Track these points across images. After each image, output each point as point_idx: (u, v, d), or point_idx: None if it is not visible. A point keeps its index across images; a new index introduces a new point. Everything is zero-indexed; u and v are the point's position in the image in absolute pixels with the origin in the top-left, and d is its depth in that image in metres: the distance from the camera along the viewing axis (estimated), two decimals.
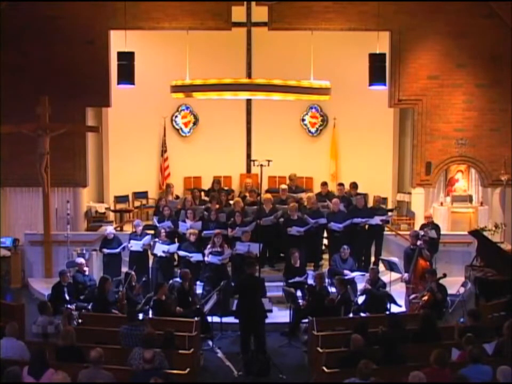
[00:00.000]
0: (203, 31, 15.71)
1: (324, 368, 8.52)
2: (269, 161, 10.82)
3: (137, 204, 17.27)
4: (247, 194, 15.01)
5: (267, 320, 10.74)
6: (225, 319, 11.75)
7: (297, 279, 12.41)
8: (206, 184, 16.44)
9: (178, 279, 12.02)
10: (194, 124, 17.76)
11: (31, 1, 15.25)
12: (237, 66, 15.97)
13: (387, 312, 11.20)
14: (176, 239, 13.77)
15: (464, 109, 15.90)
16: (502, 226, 15.55)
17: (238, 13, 15.68)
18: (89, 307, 11.43)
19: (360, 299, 12.04)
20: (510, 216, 15.85)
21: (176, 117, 17.69)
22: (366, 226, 14.11)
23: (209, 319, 11.41)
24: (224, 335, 11.68)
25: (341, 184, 15.07)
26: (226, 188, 16.17)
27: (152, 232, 13.77)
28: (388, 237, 15.01)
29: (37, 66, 15.48)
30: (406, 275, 12.48)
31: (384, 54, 14.59)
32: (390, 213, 15.20)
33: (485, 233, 14.19)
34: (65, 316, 10.57)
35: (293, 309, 11.63)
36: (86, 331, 9.80)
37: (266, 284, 11.42)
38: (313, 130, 17.81)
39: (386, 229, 14.73)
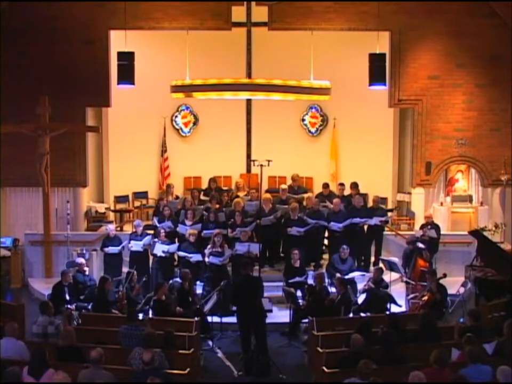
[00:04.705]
0: (203, 31, 15.71)
1: (324, 368, 8.52)
2: (269, 161, 10.84)
3: (137, 204, 17.27)
4: (239, 194, 15.09)
5: (267, 320, 10.72)
6: (225, 319, 11.75)
7: (297, 279, 12.40)
8: (206, 184, 16.43)
9: (178, 279, 12.02)
10: (194, 124, 17.76)
11: (31, 1, 15.25)
12: (237, 66, 15.96)
13: (387, 312, 11.20)
14: (176, 239, 13.78)
15: (464, 109, 15.92)
16: (502, 226, 15.56)
17: (238, 13, 15.68)
18: (89, 307, 11.43)
19: (360, 298, 12.05)
20: (510, 216, 15.86)
21: (176, 117, 17.69)
22: (366, 226, 14.12)
23: (209, 319, 11.42)
24: (224, 335, 11.68)
25: (341, 184, 15.13)
26: (225, 188, 16.18)
27: (152, 232, 13.78)
28: (388, 237, 15.04)
29: (37, 66, 15.49)
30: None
31: (384, 54, 14.58)
32: (389, 213, 15.22)
33: (485, 233, 14.19)
34: (66, 316, 10.57)
35: (293, 309, 11.63)
36: (86, 331, 9.80)
37: (266, 283, 11.42)
38: (313, 130, 17.81)
39: (386, 229, 14.75)
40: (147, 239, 13.23)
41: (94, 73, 15.60)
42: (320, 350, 9.19)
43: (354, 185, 14.97)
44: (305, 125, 17.82)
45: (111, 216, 16.66)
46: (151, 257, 13.30)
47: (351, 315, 11.30)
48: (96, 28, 15.57)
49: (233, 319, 11.30)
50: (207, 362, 10.64)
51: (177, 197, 15.38)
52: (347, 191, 15.10)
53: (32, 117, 14.50)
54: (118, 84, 14.43)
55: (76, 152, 15.85)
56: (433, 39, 15.81)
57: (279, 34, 16.02)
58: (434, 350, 7.73)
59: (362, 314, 11.50)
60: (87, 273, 12.49)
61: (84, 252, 13.73)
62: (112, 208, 16.72)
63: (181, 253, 12.98)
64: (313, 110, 17.71)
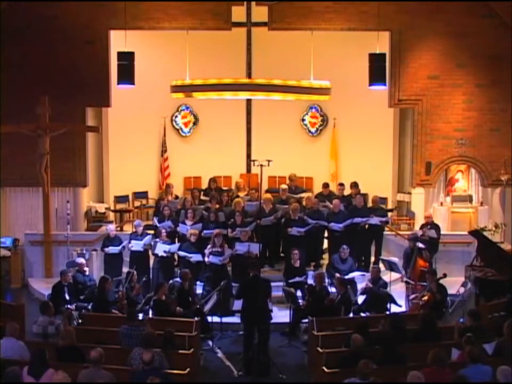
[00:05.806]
0: (203, 31, 15.71)
1: (324, 368, 8.53)
2: (269, 161, 10.81)
3: (137, 204, 17.28)
4: (239, 194, 15.10)
5: None
6: (225, 319, 11.76)
7: (297, 279, 12.41)
8: (206, 184, 16.42)
9: (178, 279, 12.02)
10: (194, 124, 17.76)
11: (31, 1, 15.25)
12: (237, 66, 15.96)
13: (387, 312, 11.19)
14: (176, 239, 13.78)
15: (464, 109, 15.92)
16: (502, 226, 15.56)
17: (238, 13, 15.69)
18: (89, 307, 11.42)
19: (360, 298, 12.05)
20: (510, 216, 15.86)
21: (176, 117, 17.69)
22: (366, 226, 14.13)
23: (209, 319, 11.42)
24: (224, 335, 11.68)
25: (341, 184, 15.13)
26: (225, 188, 16.18)
27: (152, 232, 13.78)
28: (388, 237, 15.04)
29: (37, 66, 15.49)
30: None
31: (384, 54, 14.58)
32: (389, 213, 15.21)
33: (485, 233, 14.19)
34: (66, 316, 10.57)
35: (293, 309, 11.63)
36: (86, 331, 9.80)
37: None
38: (313, 130, 17.82)
39: (386, 229, 14.74)
40: (147, 239, 13.23)
41: (94, 73, 15.61)
42: (320, 350, 9.19)
43: (354, 185, 14.97)
44: (305, 125, 17.82)
45: (111, 216, 16.66)
46: (151, 257, 13.30)
47: (351, 315, 11.30)
48: (96, 28, 15.58)
49: (233, 319, 11.32)
50: (207, 362, 10.64)
51: (176, 197, 15.39)
52: (347, 191, 15.11)
53: (32, 117, 14.49)
54: (118, 83, 14.43)
55: (76, 152, 15.86)
56: (433, 39, 15.81)
57: (279, 34, 16.02)
58: (431, 350, 7.73)
59: (362, 314, 11.52)
60: (87, 273, 12.49)
61: (84, 251, 13.72)
62: (112, 208, 16.72)
63: (182, 253, 12.98)
64: (313, 110, 17.72)
